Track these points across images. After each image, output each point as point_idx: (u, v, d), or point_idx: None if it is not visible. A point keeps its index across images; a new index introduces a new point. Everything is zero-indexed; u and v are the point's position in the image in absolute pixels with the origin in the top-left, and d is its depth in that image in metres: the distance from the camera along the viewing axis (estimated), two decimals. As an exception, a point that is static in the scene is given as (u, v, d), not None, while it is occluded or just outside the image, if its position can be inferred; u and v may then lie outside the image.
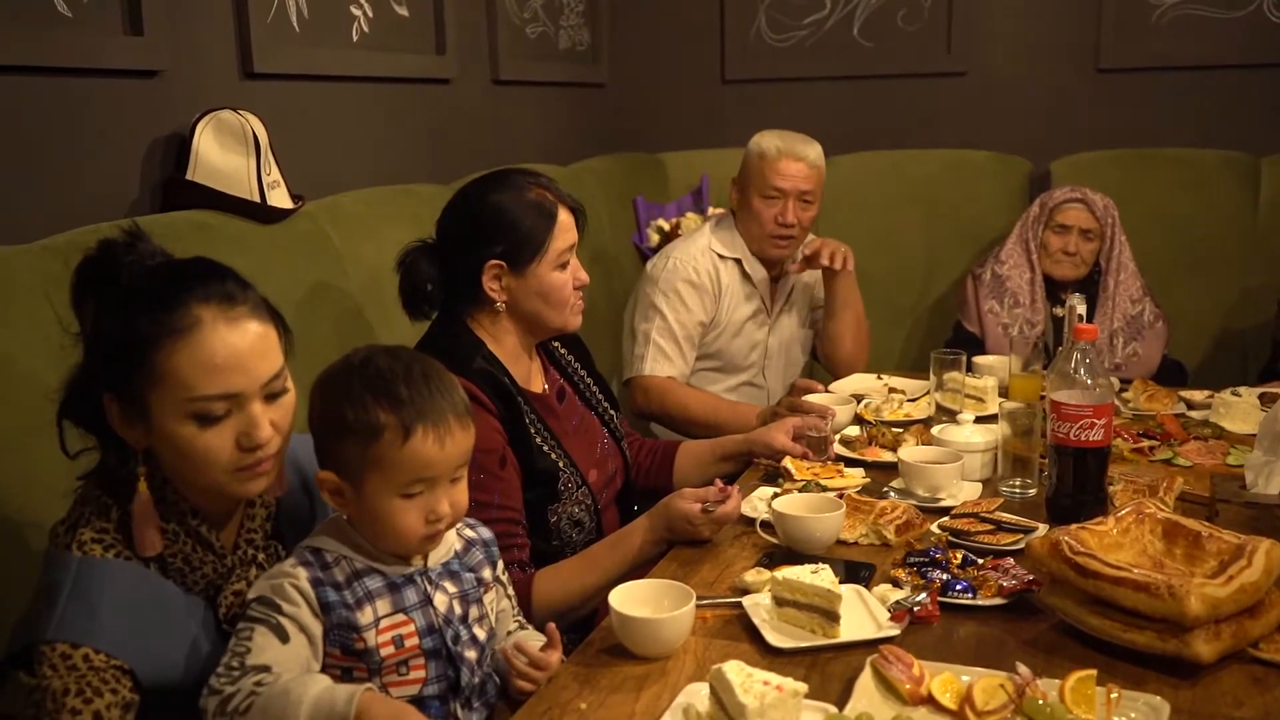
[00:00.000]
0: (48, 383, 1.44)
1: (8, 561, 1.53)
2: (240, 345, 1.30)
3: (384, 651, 1.35)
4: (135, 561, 1.33)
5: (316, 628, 1.33)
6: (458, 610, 1.42)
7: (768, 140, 2.85)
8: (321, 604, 1.33)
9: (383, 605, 1.36)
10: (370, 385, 1.36)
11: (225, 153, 2.12)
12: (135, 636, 1.29)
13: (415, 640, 1.37)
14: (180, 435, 1.29)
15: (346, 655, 1.35)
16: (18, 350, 1.60)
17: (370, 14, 2.74)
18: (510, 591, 1.58)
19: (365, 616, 1.35)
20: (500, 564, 1.54)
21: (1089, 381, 1.80)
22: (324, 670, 1.33)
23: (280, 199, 2.20)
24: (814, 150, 2.86)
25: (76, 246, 1.75)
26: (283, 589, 1.33)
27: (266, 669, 1.27)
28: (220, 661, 1.30)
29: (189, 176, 2.10)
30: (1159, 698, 1.27)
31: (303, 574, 1.34)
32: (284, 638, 1.30)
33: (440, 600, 1.40)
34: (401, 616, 1.37)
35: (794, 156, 2.81)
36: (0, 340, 1.59)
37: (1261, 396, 2.39)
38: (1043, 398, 1.92)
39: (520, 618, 1.61)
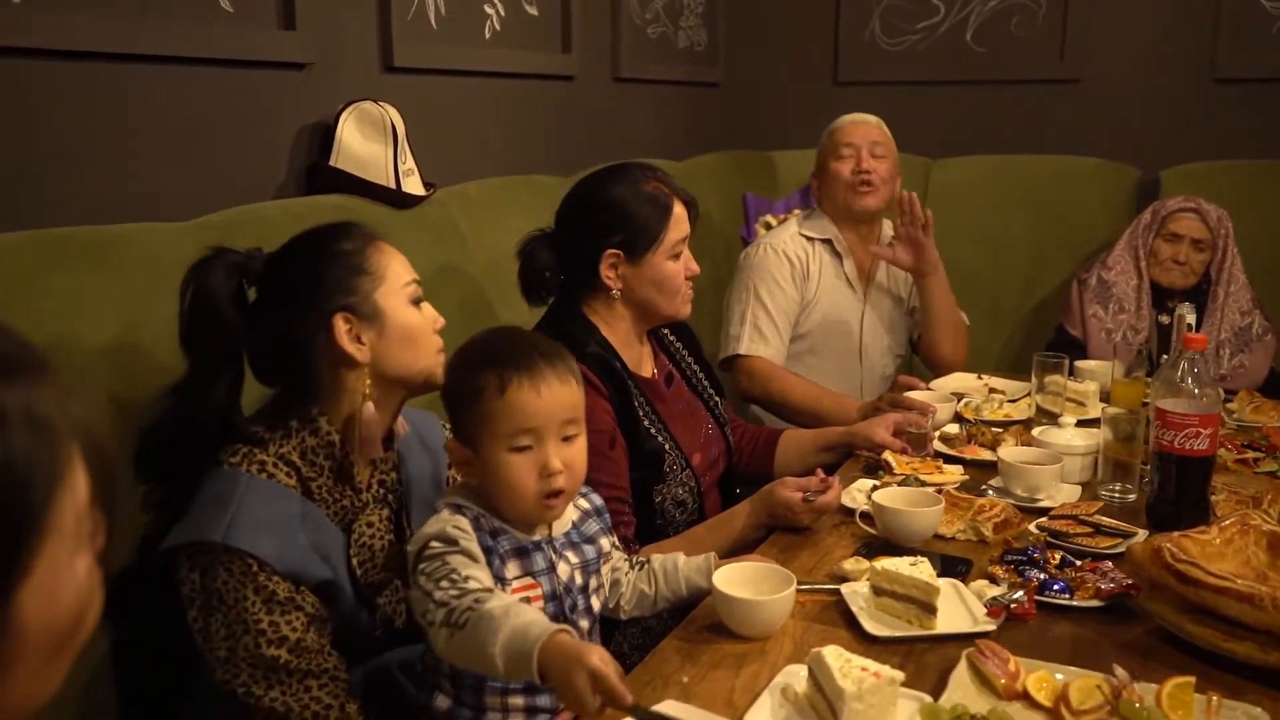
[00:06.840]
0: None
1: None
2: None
3: None
4: (297, 492, 1.45)
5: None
6: (578, 580, 1.44)
7: (834, 121, 2.98)
8: (481, 547, 1.36)
9: (513, 567, 1.38)
10: (474, 354, 1.43)
11: (366, 141, 2.19)
12: (294, 553, 1.41)
13: (541, 605, 1.38)
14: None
15: None
16: (176, 318, 1.66)
17: (502, 13, 2.80)
18: (624, 556, 1.63)
19: (502, 572, 1.38)
20: (614, 536, 1.56)
21: (1196, 391, 1.75)
22: None
23: (414, 186, 2.27)
24: (875, 118, 2.96)
25: (231, 224, 1.87)
26: (446, 532, 1.35)
27: (488, 590, 1.29)
28: (426, 578, 1.33)
29: (332, 163, 2.18)
30: (1259, 709, 1.24)
31: (464, 520, 1.37)
32: (475, 559, 1.34)
33: (563, 569, 1.42)
34: (530, 580, 1.39)
35: (858, 121, 2.93)
36: (161, 308, 1.64)
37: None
38: (1145, 404, 1.89)
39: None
